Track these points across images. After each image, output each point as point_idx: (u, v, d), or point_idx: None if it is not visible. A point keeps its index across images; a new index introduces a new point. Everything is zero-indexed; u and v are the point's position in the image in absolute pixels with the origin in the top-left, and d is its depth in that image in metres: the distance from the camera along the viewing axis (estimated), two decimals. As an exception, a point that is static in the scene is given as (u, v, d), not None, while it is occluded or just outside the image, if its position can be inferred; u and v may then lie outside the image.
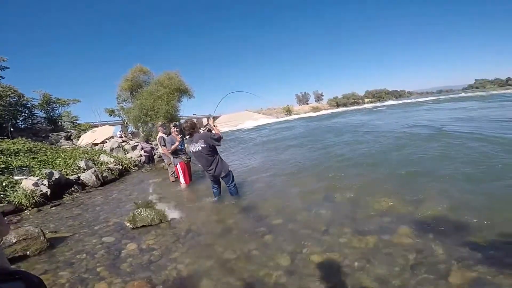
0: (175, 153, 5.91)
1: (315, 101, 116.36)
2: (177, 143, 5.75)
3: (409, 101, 64.34)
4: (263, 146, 12.85)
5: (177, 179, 6.23)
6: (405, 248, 2.51)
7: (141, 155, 11.87)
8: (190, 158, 5.92)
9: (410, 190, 3.97)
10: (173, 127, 6.08)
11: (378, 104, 79.18)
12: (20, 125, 17.44)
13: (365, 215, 3.37)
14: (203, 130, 4.70)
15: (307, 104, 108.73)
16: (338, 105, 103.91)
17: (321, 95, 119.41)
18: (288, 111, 79.55)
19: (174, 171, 6.25)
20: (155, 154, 12.12)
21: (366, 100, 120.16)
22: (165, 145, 6.10)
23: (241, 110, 78.14)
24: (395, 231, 2.85)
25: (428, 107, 28.18)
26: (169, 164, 6.73)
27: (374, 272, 2.22)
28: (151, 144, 12.47)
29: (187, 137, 4.55)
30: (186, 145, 5.65)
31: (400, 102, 65.14)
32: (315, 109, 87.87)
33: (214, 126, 4.56)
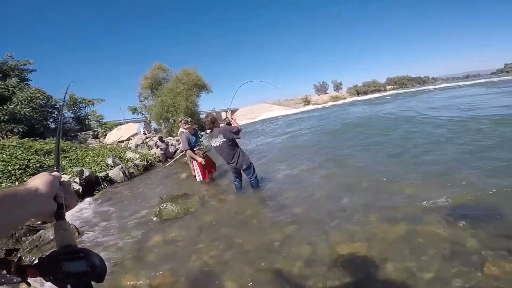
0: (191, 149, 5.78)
1: (334, 90, 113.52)
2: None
3: (438, 86, 60.26)
4: (280, 137, 12.82)
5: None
6: (437, 237, 2.38)
7: (158, 152, 12.09)
8: (206, 152, 5.91)
9: (442, 177, 3.77)
10: (184, 123, 5.88)
11: (406, 90, 75.73)
12: (51, 126, 18.45)
13: (393, 203, 3.23)
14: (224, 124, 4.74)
15: (326, 93, 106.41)
16: (358, 93, 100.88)
17: (340, 84, 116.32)
18: (306, 102, 78.32)
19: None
20: (175, 151, 12.39)
21: (388, 87, 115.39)
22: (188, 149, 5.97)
23: (258, 103, 78.01)
24: (426, 219, 2.70)
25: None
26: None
27: (402, 263, 2.13)
28: (166, 142, 12.63)
29: (208, 131, 4.63)
30: (203, 140, 5.67)
31: (437, 86, 60.19)
32: (334, 98, 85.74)
33: (232, 119, 4.59)
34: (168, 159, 11.37)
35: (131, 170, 8.96)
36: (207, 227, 3.57)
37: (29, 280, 0.48)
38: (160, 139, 12.86)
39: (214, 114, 5.55)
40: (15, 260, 0.47)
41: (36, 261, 0.48)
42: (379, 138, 7.58)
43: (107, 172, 8.31)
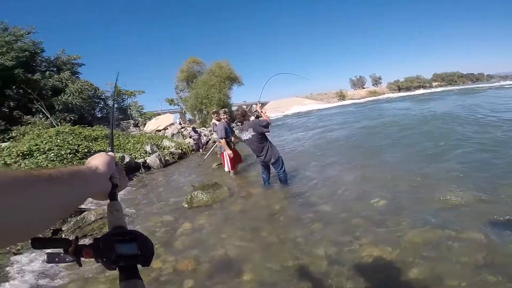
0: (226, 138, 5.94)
1: (372, 85, 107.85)
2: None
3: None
4: (311, 132, 12.59)
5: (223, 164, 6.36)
6: (472, 245, 2.23)
7: (190, 142, 12.50)
8: (234, 144, 6.03)
9: (486, 182, 3.48)
10: (223, 113, 6.18)
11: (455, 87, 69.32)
12: (97, 115, 20.10)
13: (428, 207, 3.05)
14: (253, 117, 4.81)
15: (363, 88, 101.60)
16: (399, 89, 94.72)
17: (379, 78, 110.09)
18: (341, 96, 75.60)
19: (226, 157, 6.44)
20: (207, 142, 12.78)
21: (434, 84, 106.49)
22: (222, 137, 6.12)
23: (289, 96, 76.90)
24: (462, 226, 2.52)
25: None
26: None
27: (432, 269, 2.03)
28: (198, 132, 13.03)
29: (239, 124, 4.73)
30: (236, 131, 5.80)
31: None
32: (372, 93, 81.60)
33: (261, 112, 4.63)
34: (200, 149, 11.79)
35: (167, 158, 9.46)
36: (234, 218, 3.67)
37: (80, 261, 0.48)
38: (194, 129, 13.34)
39: (245, 106, 5.66)
40: (74, 239, 0.47)
41: (91, 242, 0.47)
42: (419, 137, 7.11)
43: (145, 158, 8.89)
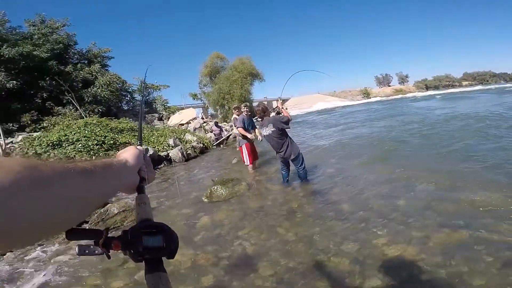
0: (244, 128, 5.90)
1: (399, 83, 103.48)
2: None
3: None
4: (334, 128, 12.31)
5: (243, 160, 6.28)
6: (497, 246, 2.16)
7: (212, 136, 12.55)
8: (254, 139, 5.98)
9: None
10: (243, 107, 6.21)
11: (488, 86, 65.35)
12: (124, 107, 20.83)
13: (452, 207, 2.97)
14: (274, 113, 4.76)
15: (389, 86, 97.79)
16: (427, 88, 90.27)
17: (406, 76, 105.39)
18: (366, 94, 73.17)
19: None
20: (228, 136, 12.85)
21: (464, 83, 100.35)
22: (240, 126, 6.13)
23: (312, 93, 75.55)
24: (487, 226, 2.45)
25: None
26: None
27: (454, 269, 1.99)
28: (220, 127, 13.06)
29: (259, 120, 4.70)
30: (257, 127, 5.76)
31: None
32: (399, 91, 78.24)
33: (282, 108, 4.57)
34: (221, 145, 11.88)
35: (189, 152, 9.62)
36: (252, 214, 3.66)
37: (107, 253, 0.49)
38: (216, 124, 13.43)
39: (266, 102, 5.59)
40: (104, 231, 0.48)
41: (120, 234, 0.48)
42: (448, 136, 6.73)
43: (168, 151, 9.08)
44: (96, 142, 8.04)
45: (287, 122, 4.26)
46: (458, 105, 15.62)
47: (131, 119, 15.00)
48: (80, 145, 7.67)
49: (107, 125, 10.07)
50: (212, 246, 2.88)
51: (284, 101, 4.85)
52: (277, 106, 4.77)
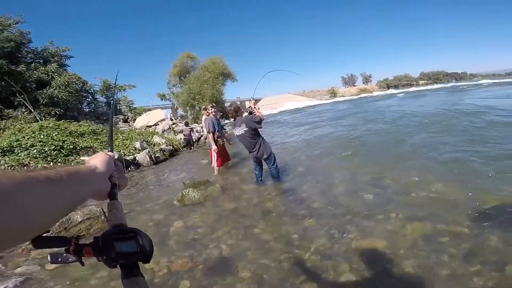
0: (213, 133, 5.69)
1: (363, 83, 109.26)
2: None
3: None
4: (302, 128, 12.63)
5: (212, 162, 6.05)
6: (459, 236, 2.33)
7: (182, 138, 12.18)
8: (224, 141, 5.87)
9: (468, 175, 3.63)
10: (210, 108, 5.99)
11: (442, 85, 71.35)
12: (85, 109, 19.54)
13: (416, 200, 3.17)
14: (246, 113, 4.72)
15: (354, 86, 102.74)
16: (388, 87, 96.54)
17: (370, 76, 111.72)
18: (333, 94, 76.26)
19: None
20: (199, 138, 12.59)
21: (421, 82, 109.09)
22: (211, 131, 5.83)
23: (283, 93, 77.04)
24: (447, 218, 2.63)
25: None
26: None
27: (420, 260, 2.09)
28: (191, 128, 12.78)
29: (231, 120, 4.65)
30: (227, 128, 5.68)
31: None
32: (363, 91, 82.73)
33: (255, 108, 4.56)
34: (192, 146, 11.56)
35: (157, 155, 9.25)
36: (227, 215, 3.59)
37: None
38: (186, 124, 13.08)
39: (238, 103, 5.53)
40: (74, 238, 0.48)
41: (91, 241, 0.48)
42: (408, 132, 7.20)
43: (135, 155, 8.64)
44: (53, 147, 7.41)
45: (259, 121, 4.26)
46: (417, 102, 16.76)
47: (93, 122, 14.11)
48: (35, 150, 7.01)
49: (65, 128, 9.38)
50: (187, 250, 2.77)
51: (256, 101, 4.85)
52: (250, 106, 4.75)
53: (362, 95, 63.04)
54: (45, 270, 2.61)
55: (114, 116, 20.42)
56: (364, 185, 3.90)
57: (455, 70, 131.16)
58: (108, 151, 0.72)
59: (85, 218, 3.49)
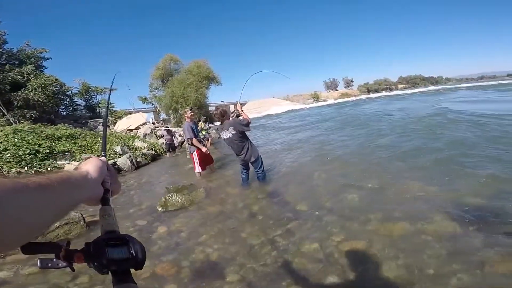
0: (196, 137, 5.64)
1: (345, 87, 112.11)
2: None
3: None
4: (288, 131, 12.78)
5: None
6: (439, 236, 2.39)
7: (163, 142, 11.92)
8: (205, 145, 5.75)
9: (446, 176, 3.77)
10: (189, 111, 5.78)
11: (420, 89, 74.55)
12: (62, 112, 18.78)
13: (396, 201, 3.25)
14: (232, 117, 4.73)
15: (336, 90, 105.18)
16: (369, 91, 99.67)
17: (351, 81, 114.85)
18: (316, 98, 77.66)
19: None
20: (182, 143, 12.38)
21: (399, 86, 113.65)
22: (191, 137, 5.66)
23: (267, 96, 77.74)
24: (428, 218, 2.71)
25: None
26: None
27: (403, 260, 2.13)
28: (171, 132, 12.45)
29: (216, 124, 4.63)
30: (210, 132, 5.63)
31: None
32: (345, 95, 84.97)
33: (241, 111, 4.57)
34: (171, 151, 11.25)
35: (139, 159, 9.03)
36: (212, 219, 3.56)
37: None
38: (167, 130, 12.76)
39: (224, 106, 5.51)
40: (65, 244, 0.47)
41: (82, 246, 0.48)
42: (386, 135, 7.46)
43: (115, 160, 8.39)
44: (28, 151, 7.05)
45: (247, 124, 4.27)
46: (395, 106, 17.35)
47: (70, 125, 13.58)
48: (9, 154, 6.65)
49: (41, 132, 8.96)
50: (171, 255, 2.72)
51: (242, 104, 4.85)
52: (236, 110, 4.76)
53: (342, 100, 64.92)
54: (20, 276, 2.50)
55: (93, 120, 19.81)
56: (345, 187, 3.98)
57: (431, 75, 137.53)
58: (101, 156, 0.72)
59: (63, 223, 3.35)
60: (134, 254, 0.48)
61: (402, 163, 4.74)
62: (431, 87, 79.29)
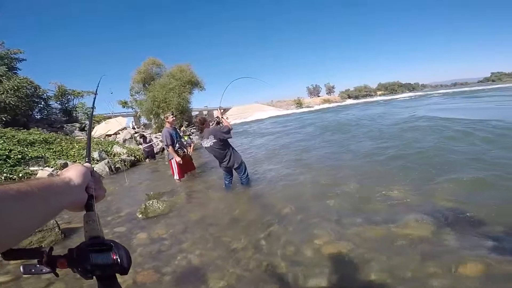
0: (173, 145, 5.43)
1: (327, 93, 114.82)
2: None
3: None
4: (272, 137, 12.86)
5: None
6: (416, 239, 2.47)
7: (141, 149, 11.40)
8: (185, 152, 5.64)
9: (423, 181, 3.91)
10: (170, 116, 5.64)
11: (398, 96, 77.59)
12: (36, 116, 17.92)
13: (377, 205, 3.33)
14: (213, 123, 4.72)
15: (318, 96, 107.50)
16: (349, 97, 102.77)
17: (333, 87, 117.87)
18: (299, 104, 78.83)
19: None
20: (162, 150, 12.08)
21: (378, 92, 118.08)
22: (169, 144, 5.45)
23: (251, 102, 78.08)
24: (407, 221, 2.79)
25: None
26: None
27: (384, 263, 2.18)
28: (148, 139, 11.98)
29: (198, 132, 4.59)
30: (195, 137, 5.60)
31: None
32: (327, 101, 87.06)
33: (223, 118, 4.55)
34: (150, 157, 10.83)
35: (118, 165, 8.78)
36: (194, 225, 3.52)
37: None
38: (143, 137, 12.07)
39: (206, 112, 5.50)
40: (47, 250, 0.48)
41: (66, 252, 0.48)
42: (363, 140, 7.72)
43: (92, 166, 8.09)
44: (-2, 157, 6.68)
45: (228, 131, 4.24)
46: (374, 112, 17.98)
47: (44, 130, 12.99)
48: (-24, 161, 6.27)
49: (13, 136, 8.53)
50: (152, 262, 2.66)
51: (225, 110, 4.83)
52: (217, 116, 4.73)
53: (324, 106, 66.60)
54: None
55: (69, 124, 19.03)
56: (327, 191, 4.04)
57: (408, 81, 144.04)
58: (85, 162, 0.73)
59: (36, 230, 3.18)
60: (119, 260, 0.48)
61: (381, 167, 4.91)
62: (408, 93, 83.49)
